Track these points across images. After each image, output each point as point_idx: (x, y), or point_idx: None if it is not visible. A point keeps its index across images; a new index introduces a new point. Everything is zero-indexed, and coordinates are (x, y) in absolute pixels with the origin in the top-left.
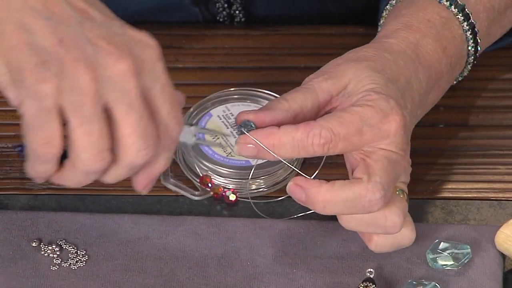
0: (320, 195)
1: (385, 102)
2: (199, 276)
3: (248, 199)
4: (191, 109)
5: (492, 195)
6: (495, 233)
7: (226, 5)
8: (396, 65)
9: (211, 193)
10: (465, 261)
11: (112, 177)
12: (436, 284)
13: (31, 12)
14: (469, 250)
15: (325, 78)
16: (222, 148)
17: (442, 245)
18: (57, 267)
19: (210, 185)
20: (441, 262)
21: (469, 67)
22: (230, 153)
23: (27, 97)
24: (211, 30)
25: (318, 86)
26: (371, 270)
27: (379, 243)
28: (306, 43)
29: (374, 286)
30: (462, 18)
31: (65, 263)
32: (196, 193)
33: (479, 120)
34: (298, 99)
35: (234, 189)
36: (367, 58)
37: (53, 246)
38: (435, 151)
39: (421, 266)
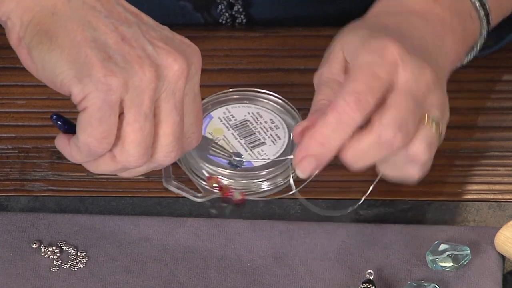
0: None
1: (373, 39)
2: (199, 278)
3: (294, 193)
4: None
5: (491, 197)
6: (494, 235)
7: (227, 7)
8: (381, 23)
9: (219, 194)
10: (465, 263)
11: (132, 173)
12: (436, 286)
13: (91, 11)
14: (469, 251)
15: (329, 65)
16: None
17: (442, 246)
18: (57, 268)
19: (217, 186)
20: (440, 264)
21: (484, 32)
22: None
23: (94, 90)
24: (211, 32)
25: (332, 74)
26: (371, 271)
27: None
28: (305, 45)
29: (374, 287)
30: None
31: (65, 264)
32: (199, 195)
33: (478, 122)
34: (329, 92)
35: (241, 189)
36: (354, 26)
37: (53, 248)
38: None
39: (421, 267)
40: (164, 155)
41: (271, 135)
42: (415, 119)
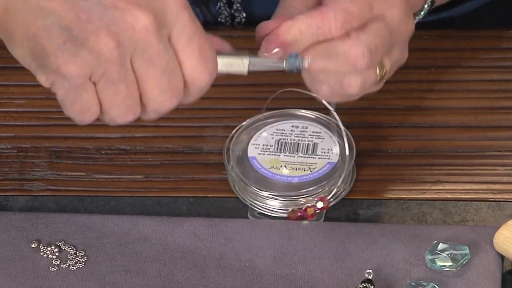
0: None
1: None
2: (198, 277)
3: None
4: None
5: (490, 196)
6: (493, 234)
7: (226, 5)
8: None
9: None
10: (464, 262)
11: (143, 119)
12: (435, 285)
13: None
14: (468, 251)
15: None
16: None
17: (441, 246)
18: (56, 268)
19: (301, 213)
20: (439, 263)
21: (428, 2)
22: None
23: (56, 79)
24: (211, 31)
25: None
26: (370, 271)
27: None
28: None
29: (373, 287)
30: None
31: (64, 264)
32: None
33: (477, 121)
34: (301, 2)
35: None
36: None
37: (52, 247)
38: (433, 152)
39: (420, 267)
40: (160, 104)
41: (310, 135)
42: (383, 55)
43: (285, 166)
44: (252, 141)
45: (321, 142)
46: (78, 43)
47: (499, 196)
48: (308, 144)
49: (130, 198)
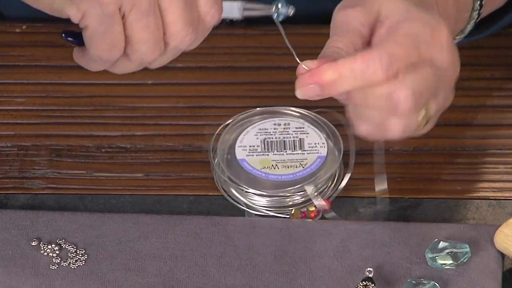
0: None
1: (428, 15)
2: (198, 276)
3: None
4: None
5: (491, 195)
6: (494, 233)
7: None
8: None
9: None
10: (464, 260)
11: (157, 64)
12: (436, 283)
13: None
14: (468, 249)
15: (359, 11)
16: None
17: (441, 244)
18: (57, 266)
19: (303, 213)
20: (440, 261)
21: (471, 23)
22: None
23: (89, 8)
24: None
25: (358, 22)
26: (370, 269)
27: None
28: (305, 43)
29: (373, 285)
30: None
31: (65, 262)
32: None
33: (478, 120)
34: (349, 43)
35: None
36: None
37: (52, 246)
38: (434, 150)
39: (420, 265)
40: (180, 41)
41: (294, 131)
42: (428, 100)
43: (276, 165)
44: (238, 144)
45: (307, 137)
46: None
47: (500, 194)
48: (294, 140)
49: (131, 197)
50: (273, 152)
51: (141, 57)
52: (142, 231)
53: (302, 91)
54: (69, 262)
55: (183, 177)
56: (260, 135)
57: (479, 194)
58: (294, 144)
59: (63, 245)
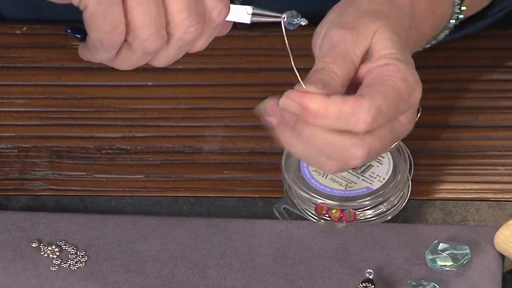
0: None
1: (411, 75)
2: (199, 277)
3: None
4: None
5: (491, 196)
6: (494, 234)
7: None
8: (403, 24)
9: (329, 219)
10: (464, 262)
11: (162, 59)
12: (436, 285)
13: None
14: (468, 250)
15: (355, 40)
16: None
17: (441, 245)
18: (57, 267)
19: (326, 214)
20: (440, 263)
21: (446, 32)
22: None
23: None
24: None
25: (354, 52)
26: (370, 270)
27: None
28: (305, 45)
29: (373, 287)
30: None
31: (65, 263)
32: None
33: (478, 121)
34: (344, 71)
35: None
36: (385, 14)
37: (52, 247)
38: (434, 152)
39: (421, 266)
40: (184, 32)
41: (377, 160)
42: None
43: (328, 176)
44: None
45: (377, 166)
46: None
47: (500, 195)
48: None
49: (131, 198)
50: None
51: (143, 44)
52: (142, 233)
53: (285, 101)
54: (70, 264)
55: (183, 179)
56: None
57: (479, 196)
58: (360, 167)
59: (64, 247)
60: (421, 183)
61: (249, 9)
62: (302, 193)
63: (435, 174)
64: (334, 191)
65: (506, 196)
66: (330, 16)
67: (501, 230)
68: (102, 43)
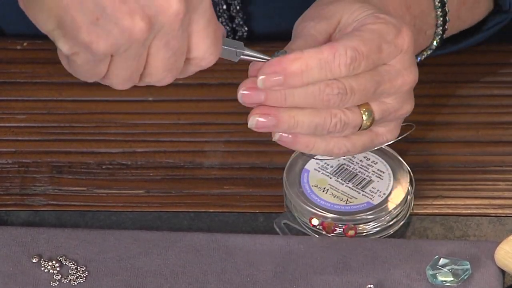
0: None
1: (394, 19)
2: None
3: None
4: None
5: (491, 211)
6: (494, 249)
7: (228, 20)
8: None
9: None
10: (465, 277)
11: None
12: None
13: None
14: (469, 266)
15: (318, 22)
16: None
17: (442, 261)
18: (57, 283)
19: (320, 225)
20: (441, 278)
21: (437, 39)
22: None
23: (82, 51)
24: None
25: (315, 30)
26: (371, 286)
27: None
28: None
29: None
30: None
31: (65, 279)
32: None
33: (478, 136)
34: (303, 48)
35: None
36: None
37: (53, 262)
38: (435, 167)
39: (421, 282)
40: (155, 82)
41: (373, 171)
42: (362, 100)
43: (328, 189)
44: (319, 156)
45: (377, 181)
46: (112, 22)
47: (500, 211)
48: (364, 178)
49: (131, 213)
50: (336, 178)
51: (114, 86)
52: (142, 248)
53: (263, 80)
54: (70, 279)
55: (183, 194)
56: (344, 159)
57: (479, 211)
58: (360, 181)
59: (64, 262)
60: (422, 198)
61: (239, 52)
62: (304, 206)
63: (435, 189)
64: (335, 206)
65: (507, 211)
66: (302, 16)
67: (501, 245)
68: (78, 78)
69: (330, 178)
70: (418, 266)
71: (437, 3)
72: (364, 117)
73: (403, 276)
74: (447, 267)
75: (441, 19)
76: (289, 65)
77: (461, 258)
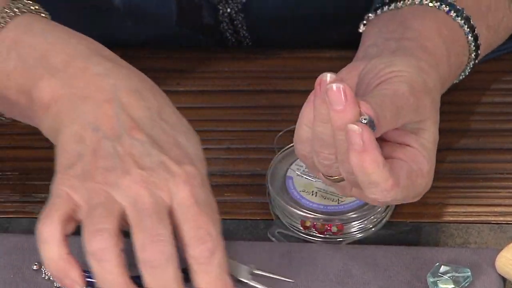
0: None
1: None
2: None
3: None
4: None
5: (492, 219)
6: (495, 257)
7: (233, 31)
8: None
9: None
10: (466, 285)
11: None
12: None
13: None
14: (470, 273)
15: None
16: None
17: (443, 268)
18: None
19: (313, 228)
20: (441, 286)
21: (471, 64)
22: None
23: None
24: (212, 54)
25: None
26: None
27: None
28: (306, 67)
29: None
30: (468, 29)
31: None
32: None
33: (479, 144)
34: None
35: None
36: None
37: None
38: (435, 174)
39: None
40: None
41: None
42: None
43: (316, 192)
44: (296, 162)
45: None
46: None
47: (501, 218)
48: None
49: None
50: (321, 181)
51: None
52: None
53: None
54: None
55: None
56: None
57: (480, 218)
58: None
59: None
60: (423, 205)
61: (248, 273)
62: (298, 213)
63: (436, 196)
64: (328, 207)
65: (508, 218)
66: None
67: (502, 253)
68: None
69: (315, 181)
70: (419, 273)
71: (470, 38)
72: None
73: (404, 284)
74: (448, 275)
75: (474, 53)
76: (349, 116)
77: (462, 265)
